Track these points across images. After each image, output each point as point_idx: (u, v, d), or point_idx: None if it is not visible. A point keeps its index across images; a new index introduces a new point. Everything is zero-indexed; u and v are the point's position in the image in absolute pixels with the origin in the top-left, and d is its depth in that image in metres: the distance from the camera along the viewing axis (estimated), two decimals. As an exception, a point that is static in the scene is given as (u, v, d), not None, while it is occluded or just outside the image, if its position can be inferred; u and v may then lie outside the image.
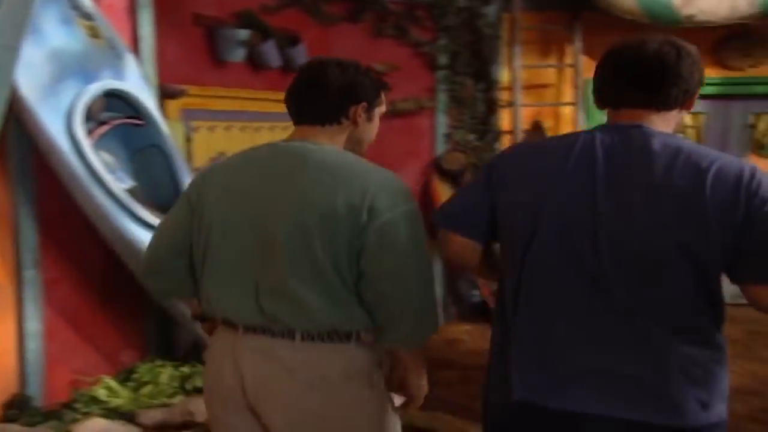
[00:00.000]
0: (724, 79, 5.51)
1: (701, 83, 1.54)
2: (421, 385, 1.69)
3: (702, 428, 1.40)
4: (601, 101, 1.59)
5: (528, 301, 1.49)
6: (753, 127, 5.69)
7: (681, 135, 3.92)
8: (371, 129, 1.76)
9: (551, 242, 1.47)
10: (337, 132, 1.67)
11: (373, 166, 1.64)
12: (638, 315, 1.41)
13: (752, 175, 1.39)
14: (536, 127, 5.42)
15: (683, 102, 1.52)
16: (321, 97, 1.64)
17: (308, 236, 1.53)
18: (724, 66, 5.50)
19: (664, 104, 1.50)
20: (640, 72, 1.49)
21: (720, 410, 1.43)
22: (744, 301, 1.46)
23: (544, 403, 1.44)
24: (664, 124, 1.51)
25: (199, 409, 2.85)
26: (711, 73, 5.50)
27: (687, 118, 5.71)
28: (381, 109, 1.76)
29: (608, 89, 1.57)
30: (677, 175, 1.40)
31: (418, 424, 2.85)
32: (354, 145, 1.72)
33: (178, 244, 1.72)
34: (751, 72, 5.44)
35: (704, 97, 5.63)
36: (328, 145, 1.65)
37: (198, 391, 3.00)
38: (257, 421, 1.63)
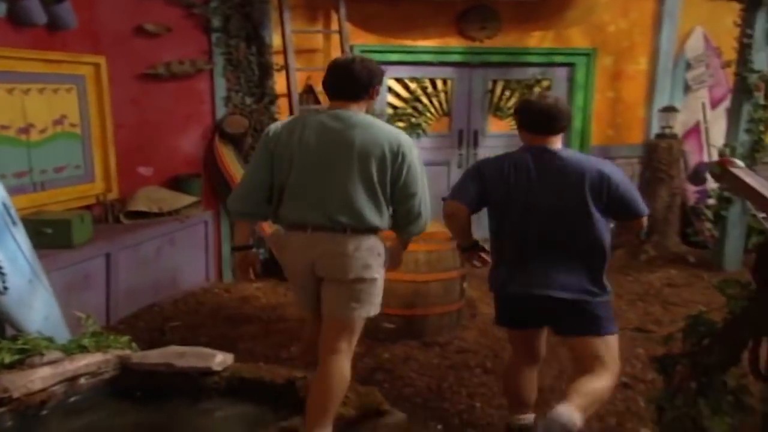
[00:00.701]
0: (467, 49, 6.20)
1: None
2: (401, 259, 2.97)
3: (598, 302, 2.74)
4: (523, 130, 2.80)
5: (509, 243, 2.78)
6: (491, 92, 6.48)
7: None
8: (376, 100, 2.88)
9: (516, 214, 2.73)
10: (362, 105, 2.71)
11: (393, 126, 2.86)
12: (561, 248, 2.70)
13: (609, 174, 2.67)
14: (308, 90, 5.65)
15: (565, 129, 2.80)
16: (354, 84, 2.66)
17: (368, 170, 2.60)
18: (466, 37, 6.20)
19: (557, 132, 2.76)
20: (546, 116, 2.72)
21: (608, 298, 2.79)
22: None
23: (526, 292, 2.73)
24: (558, 142, 2.78)
25: (14, 384, 2.70)
26: (455, 43, 6.19)
27: (439, 84, 6.37)
28: (381, 87, 2.84)
29: (527, 125, 2.77)
30: (571, 174, 2.67)
31: (245, 375, 2.96)
32: (367, 111, 2.77)
33: (261, 179, 2.72)
34: (488, 43, 6.19)
35: (451, 64, 6.30)
36: (360, 112, 2.69)
37: (7, 366, 2.82)
38: (320, 281, 2.71)
